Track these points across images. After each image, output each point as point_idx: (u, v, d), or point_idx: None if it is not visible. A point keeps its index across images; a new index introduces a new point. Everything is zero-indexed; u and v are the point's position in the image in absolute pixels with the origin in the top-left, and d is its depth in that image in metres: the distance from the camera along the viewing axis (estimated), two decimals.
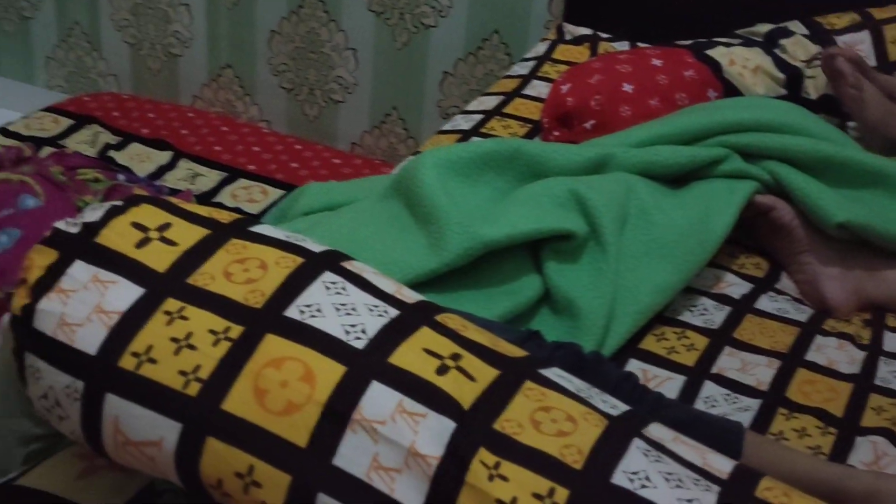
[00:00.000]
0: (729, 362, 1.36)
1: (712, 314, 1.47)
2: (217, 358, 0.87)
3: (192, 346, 0.88)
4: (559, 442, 0.83)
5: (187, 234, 0.97)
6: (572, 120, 1.78)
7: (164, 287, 0.92)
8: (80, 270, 0.93)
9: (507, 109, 1.96)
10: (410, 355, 0.88)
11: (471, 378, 0.87)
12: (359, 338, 0.88)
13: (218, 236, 0.97)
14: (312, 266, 0.95)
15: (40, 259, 0.95)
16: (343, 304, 0.91)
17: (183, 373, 0.87)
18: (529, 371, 0.90)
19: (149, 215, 0.99)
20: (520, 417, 0.85)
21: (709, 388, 1.32)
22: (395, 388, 0.85)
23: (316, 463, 0.82)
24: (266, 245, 0.97)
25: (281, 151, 2.87)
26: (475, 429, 0.83)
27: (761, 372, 1.35)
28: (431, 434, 0.83)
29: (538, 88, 2.05)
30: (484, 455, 0.82)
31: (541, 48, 2.26)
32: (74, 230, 0.97)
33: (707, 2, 2.27)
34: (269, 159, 2.81)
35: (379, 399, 0.84)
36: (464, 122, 1.92)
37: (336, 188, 1.57)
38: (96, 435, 0.90)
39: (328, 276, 0.94)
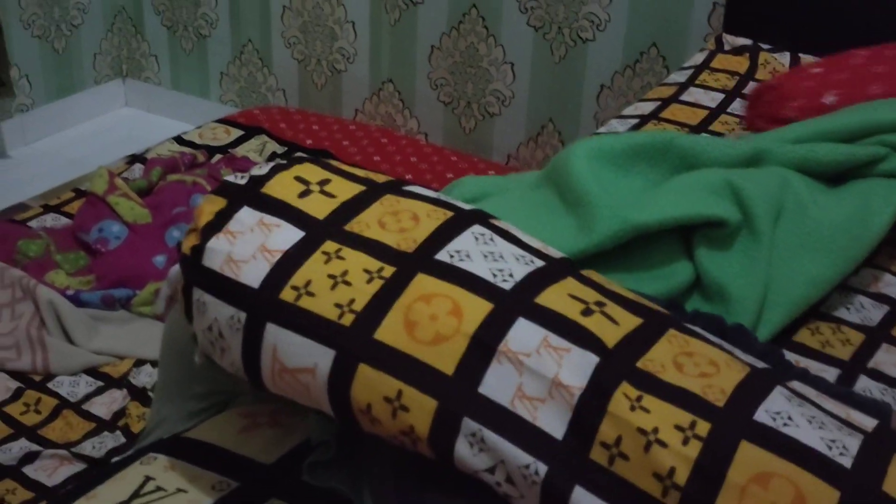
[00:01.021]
0: (886, 357, 1.34)
1: (869, 312, 1.44)
2: (370, 293, 0.92)
3: (347, 283, 0.93)
4: (701, 382, 0.85)
5: (345, 189, 1.04)
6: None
7: (323, 231, 0.98)
8: (246, 215, 1.00)
9: (664, 114, 1.97)
10: (556, 297, 0.92)
11: (614, 322, 0.90)
12: (505, 280, 0.93)
13: (373, 192, 1.04)
14: (462, 219, 1.00)
15: (210, 206, 1.03)
16: (490, 252, 0.96)
17: (338, 305, 0.92)
18: (672, 321, 0.92)
19: (310, 172, 1.06)
20: (662, 359, 0.87)
21: (864, 382, 1.30)
22: (540, 324, 0.89)
23: (462, 390, 0.86)
24: (418, 200, 1.03)
25: (437, 163, 2.94)
26: (618, 364, 0.86)
27: None
28: (575, 367, 0.86)
29: (695, 95, 2.05)
30: (626, 388, 0.85)
31: (699, 58, 2.26)
32: (242, 182, 1.04)
33: (872, 11, 2.23)
34: (426, 170, 2.88)
35: (524, 334, 0.88)
36: (619, 126, 1.94)
37: (489, 180, 1.60)
38: (255, 364, 0.96)
39: (477, 228, 0.99)
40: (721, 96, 2.05)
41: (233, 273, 0.97)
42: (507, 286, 0.92)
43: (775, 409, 0.83)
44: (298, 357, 0.92)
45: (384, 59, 3.05)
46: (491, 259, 0.95)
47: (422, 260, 0.95)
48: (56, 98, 3.40)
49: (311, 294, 0.94)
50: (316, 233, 0.98)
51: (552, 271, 0.95)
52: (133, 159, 2.69)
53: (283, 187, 1.03)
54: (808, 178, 1.50)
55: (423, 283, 0.92)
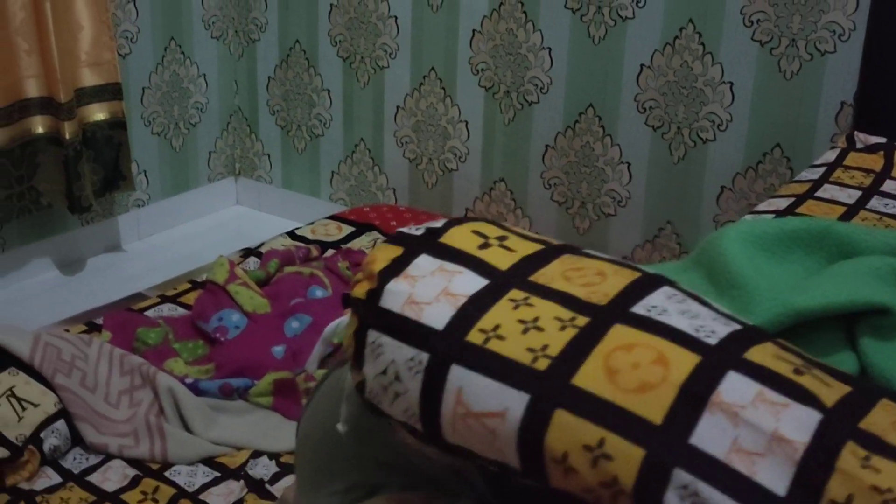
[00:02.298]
0: None
1: None
2: (565, 340, 0.88)
3: (539, 328, 0.89)
4: None
5: (523, 246, 1.01)
6: None
7: (507, 280, 0.95)
8: (426, 262, 0.98)
9: (800, 210, 1.91)
10: (763, 355, 0.88)
11: (826, 384, 0.86)
12: (708, 336, 0.89)
13: (552, 250, 1.01)
14: (650, 278, 0.97)
15: (385, 253, 1.00)
16: (687, 310, 0.93)
17: (531, 349, 0.88)
18: (883, 391, 0.87)
19: (487, 228, 1.04)
20: (883, 423, 0.82)
21: None
22: (752, 378, 0.85)
23: (672, 440, 0.82)
24: (599, 260, 1.00)
25: None
26: (841, 423, 0.82)
27: None
28: (796, 421, 0.82)
29: (830, 192, 1.99)
30: (853, 447, 0.80)
31: (830, 156, 2.20)
32: (418, 232, 1.01)
33: None
34: None
35: (738, 386, 0.84)
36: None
37: None
38: (434, 408, 0.91)
39: (667, 289, 0.96)
40: (858, 193, 1.99)
41: (414, 314, 0.94)
42: (712, 341, 0.88)
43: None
44: (487, 400, 0.88)
45: (497, 157, 3.05)
46: (689, 316, 0.92)
47: (617, 312, 0.91)
48: (171, 194, 3.46)
49: (500, 337, 0.90)
50: (500, 281, 0.95)
51: (752, 334, 0.92)
52: (247, 252, 2.70)
53: (461, 239, 1.02)
54: None
55: (621, 333, 0.89)
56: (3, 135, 2.85)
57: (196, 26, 3.38)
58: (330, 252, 2.69)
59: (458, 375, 0.89)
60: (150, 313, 2.37)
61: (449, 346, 0.91)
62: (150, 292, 2.68)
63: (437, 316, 0.93)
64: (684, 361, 0.86)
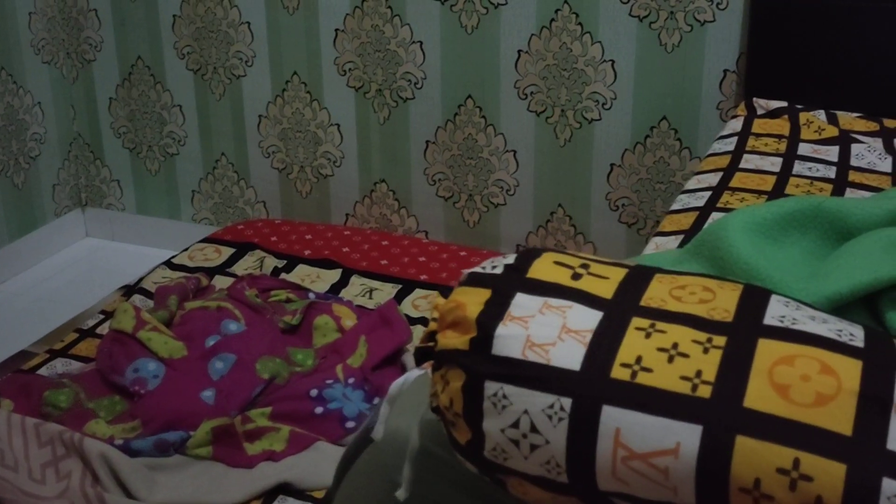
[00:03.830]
0: None
1: None
2: (715, 363, 0.83)
3: (683, 354, 0.84)
4: None
5: (611, 272, 0.95)
6: None
7: (622, 309, 0.89)
8: (526, 300, 0.90)
9: (734, 184, 1.91)
10: None
11: None
12: (852, 339, 0.86)
13: (641, 271, 0.95)
14: (756, 289, 0.92)
15: (473, 297, 0.91)
16: (814, 316, 0.89)
17: (686, 378, 0.82)
18: None
19: (565, 258, 0.97)
20: None
21: None
22: None
23: (869, 450, 0.78)
24: (693, 276, 0.95)
25: (448, 259, 2.84)
26: None
27: None
28: None
29: (754, 162, 2.00)
30: None
31: (735, 125, 2.22)
32: (497, 270, 0.93)
33: (881, 60, 2.23)
34: (438, 268, 2.77)
35: None
36: (693, 200, 1.87)
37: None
38: (586, 455, 0.84)
39: (778, 297, 0.92)
40: (779, 160, 2.01)
41: (541, 358, 0.85)
42: (858, 344, 0.85)
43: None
44: (652, 439, 0.81)
45: (375, 159, 2.95)
46: (820, 321, 0.88)
47: (753, 326, 0.86)
48: (18, 236, 3.19)
49: (647, 370, 0.83)
50: (616, 311, 0.89)
51: (874, 332, 0.89)
52: (129, 290, 2.52)
53: (549, 272, 0.94)
54: None
55: (770, 347, 0.84)
56: None
57: (25, 52, 3.12)
58: (220, 280, 2.54)
59: (613, 416, 0.82)
60: (43, 371, 2.17)
61: (593, 386, 0.83)
62: (34, 348, 2.46)
63: (568, 356, 0.85)
64: (849, 367, 0.82)
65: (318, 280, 2.66)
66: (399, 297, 2.53)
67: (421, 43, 2.75)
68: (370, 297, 2.58)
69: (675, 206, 1.89)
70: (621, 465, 0.83)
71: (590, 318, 0.88)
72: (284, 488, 1.83)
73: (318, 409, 1.99)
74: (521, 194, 2.81)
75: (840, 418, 0.79)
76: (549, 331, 0.87)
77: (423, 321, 2.39)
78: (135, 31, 3.11)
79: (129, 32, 3.12)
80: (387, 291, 2.60)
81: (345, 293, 2.60)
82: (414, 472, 1.03)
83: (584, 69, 2.61)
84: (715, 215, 1.77)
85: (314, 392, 2.02)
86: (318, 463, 1.89)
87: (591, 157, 2.70)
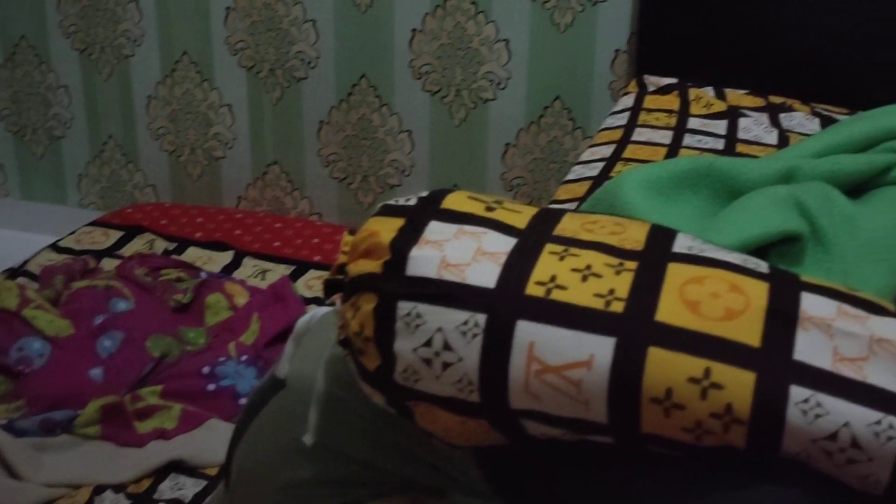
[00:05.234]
0: None
1: None
2: (627, 282, 0.85)
3: (596, 275, 0.85)
4: None
5: (522, 208, 0.96)
6: None
7: (536, 236, 0.90)
8: (440, 227, 0.90)
9: (626, 155, 1.93)
10: (817, 279, 0.89)
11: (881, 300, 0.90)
12: (758, 266, 0.88)
13: (553, 210, 0.96)
14: (664, 227, 0.94)
15: (385, 226, 0.91)
16: (719, 249, 0.91)
17: (599, 295, 0.84)
18: None
19: (475, 195, 0.97)
20: None
21: None
22: (827, 296, 0.85)
23: (777, 359, 0.80)
24: (602, 215, 0.96)
25: (342, 241, 2.80)
26: None
27: None
28: (884, 325, 0.83)
29: (646, 135, 2.03)
30: None
31: (627, 101, 2.24)
32: (411, 202, 0.94)
33: (769, 39, 2.29)
34: (332, 249, 2.75)
35: (817, 303, 0.84)
36: (587, 171, 1.89)
37: None
38: (500, 370, 0.84)
39: (684, 234, 0.94)
40: (670, 133, 2.04)
41: (456, 276, 0.86)
42: (764, 270, 0.88)
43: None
44: (566, 352, 0.82)
45: (267, 140, 2.90)
46: (727, 252, 0.90)
47: (663, 253, 0.88)
48: None
49: (562, 287, 0.84)
50: (530, 238, 0.90)
51: (778, 267, 0.91)
52: (13, 273, 2.44)
53: (463, 203, 0.94)
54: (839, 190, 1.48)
55: (680, 269, 0.86)
56: None
57: None
58: (108, 263, 2.48)
59: (527, 330, 0.83)
60: None
61: (508, 301, 0.84)
62: None
63: (483, 275, 0.86)
64: (757, 287, 0.85)
65: (210, 262, 2.61)
66: (293, 278, 2.50)
67: (314, 22, 2.72)
68: (263, 279, 2.54)
69: (569, 177, 1.90)
70: (534, 379, 0.83)
71: (504, 243, 0.89)
72: (176, 466, 1.78)
73: (211, 387, 1.95)
74: (417, 175, 2.80)
75: (749, 331, 0.82)
76: (463, 253, 0.88)
77: (317, 301, 2.37)
78: (17, 9, 3.01)
79: (10, 10, 3.02)
80: (280, 272, 2.57)
81: (237, 275, 2.56)
82: (319, 417, 1.01)
83: (479, 49, 2.62)
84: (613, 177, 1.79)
85: (206, 369, 1.98)
86: (211, 440, 1.85)
87: (487, 137, 2.70)
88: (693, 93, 2.23)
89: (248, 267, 2.60)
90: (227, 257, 2.63)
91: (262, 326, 2.09)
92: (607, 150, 1.98)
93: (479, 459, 0.98)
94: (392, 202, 0.95)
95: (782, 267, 1.30)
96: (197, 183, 3.02)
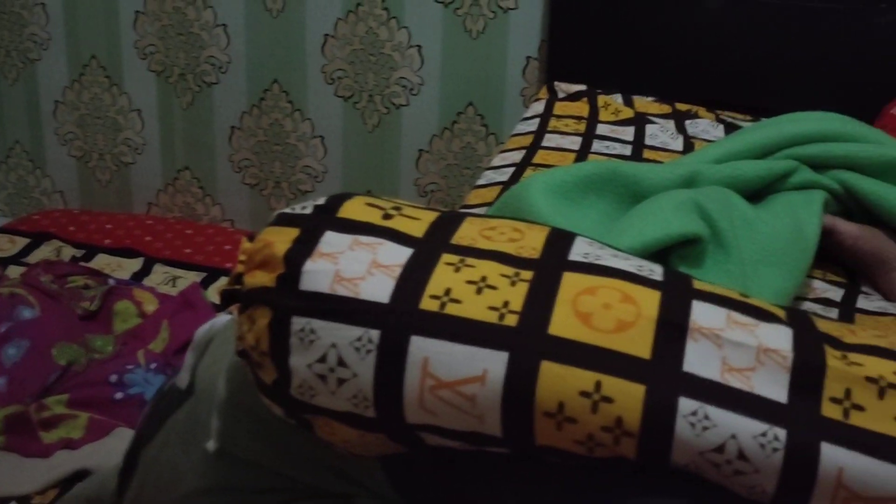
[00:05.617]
0: None
1: (825, 317, 1.46)
2: (522, 294, 0.84)
3: (491, 287, 0.85)
4: (883, 341, 0.87)
5: (422, 214, 0.95)
6: None
7: (432, 246, 0.89)
8: (335, 238, 0.89)
9: (536, 160, 1.95)
10: (708, 286, 0.90)
11: (774, 304, 0.91)
12: (652, 273, 0.89)
13: (452, 215, 0.96)
14: (562, 232, 0.95)
15: (280, 236, 0.89)
16: (615, 254, 0.92)
17: (493, 308, 0.83)
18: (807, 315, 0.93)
19: (377, 201, 0.96)
20: (835, 327, 0.88)
21: None
22: (717, 304, 0.86)
23: (667, 371, 0.81)
24: (505, 218, 0.97)
25: None
26: (812, 333, 0.85)
27: None
28: (773, 334, 0.84)
29: (555, 141, 2.05)
30: (830, 350, 0.84)
31: (538, 107, 2.27)
32: (307, 211, 0.92)
33: (672, 48, 2.33)
34: None
35: (707, 312, 0.85)
36: (498, 176, 1.90)
37: None
38: (394, 386, 0.83)
39: (583, 238, 0.95)
40: (578, 139, 2.06)
41: (350, 291, 0.85)
42: (658, 277, 0.88)
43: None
44: (460, 367, 0.81)
45: (178, 146, 2.87)
46: (622, 258, 0.91)
47: (558, 261, 0.88)
48: None
49: (456, 301, 0.84)
50: (426, 248, 0.89)
51: (673, 271, 0.92)
52: None
53: (360, 211, 0.93)
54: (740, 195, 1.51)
55: (575, 279, 0.86)
56: None
57: None
58: (9, 270, 2.43)
59: (421, 346, 0.82)
60: None
61: (401, 317, 0.83)
62: None
63: (377, 289, 0.84)
64: (648, 297, 0.85)
65: (119, 269, 2.58)
66: (204, 285, 2.47)
67: (225, 26, 2.70)
68: (174, 286, 2.52)
69: (480, 182, 1.91)
70: (429, 394, 0.83)
71: (400, 254, 0.88)
72: (83, 476, 1.75)
73: (118, 395, 1.92)
74: (329, 181, 2.80)
75: (639, 343, 0.82)
76: (358, 266, 0.86)
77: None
78: None
79: None
80: (190, 279, 2.54)
81: (147, 282, 2.53)
82: (222, 423, 1.01)
83: (391, 54, 2.62)
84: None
85: (114, 378, 1.95)
86: (119, 450, 1.82)
87: (400, 143, 2.71)
88: (602, 100, 2.26)
89: (159, 274, 2.57)
90: (136, 264, 2.60)
91: (171, 333, 2.06)
92: (518, 156, 1.99)
93: (385, 465, 0.98)
94: (288, 211, 0.93)
95: (682, 269, 1.33)
96: (106, 189, 2.98)
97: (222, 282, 2.51)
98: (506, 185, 1.84)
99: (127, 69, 2.82)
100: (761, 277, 1.38)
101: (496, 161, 2.02)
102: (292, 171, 2.81)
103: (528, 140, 2.08)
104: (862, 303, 1.51)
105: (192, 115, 2.82)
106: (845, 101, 2.23)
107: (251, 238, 0.94)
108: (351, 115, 2.71)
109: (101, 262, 2.61)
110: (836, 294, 1.53)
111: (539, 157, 1.97)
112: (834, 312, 1.47)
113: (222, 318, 1.08)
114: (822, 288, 1.55)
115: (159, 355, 2.03)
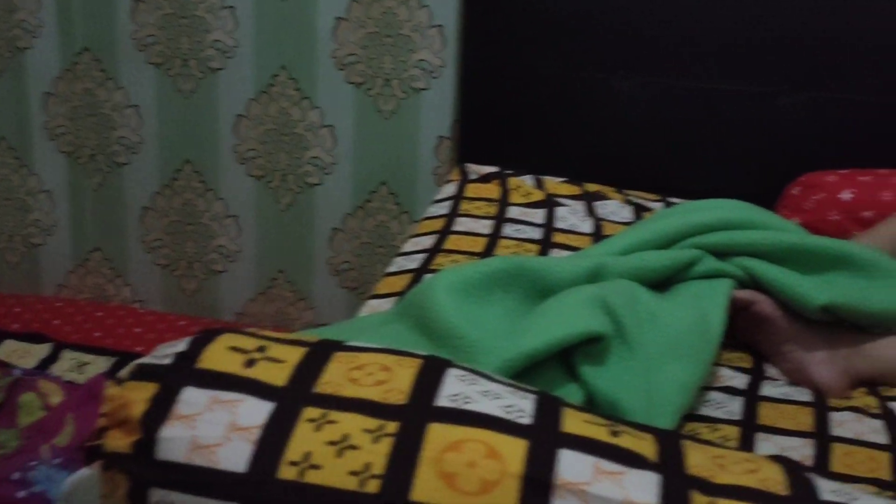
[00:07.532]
0: (768, 448, 1.37)
1: (728, 405, 1.47)
2: (384, 454, 0.83)
3: (353, 447, 0.83)
4: (753, 478, 0.87)
5: (288, 353, 0.93)
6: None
7: (294, 398, 0.87)
8: (194, 395, 0.87)
9: (447, 246, 1.95)
10: (576, 423, 0.89)
11: (639, 438, 0.90)
12: (521, 415, 0.88)
13: (319, 351, 0.94)
14: (434, 364, 0.93)
15: (137, 393, 0.87)
16: (486, 392, 0.90)
17: (354, 472, 0.81)
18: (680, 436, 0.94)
19: (240, 341, 0.94)
20: (706, 463, 0.88)
21: None
22: (584, 452, 0.85)
23: None
24: (373, 353, 0.94)
25: (165, 329, 2.76)
26: (678, 475, 0.85)
27: (801, 451, 1.35)
28: (639, 485, 0.83)
29: (467, 225, 2.06)
30: (698, 497, 0.83)
31: (450, 189, 2.28)
32: (167, 361, 0.89)
33: (584, 135, 2.37)
34: (155, 338, 2.69)
35: (573, 463, 0.84)
36: (408, 263, 1.90)
37: (325, 332, 1.50)
38: None
39: (455, 371, 0.93)
40: (490, 222, 2.08)
41: (206, 461, 0.83)
42: (526, 421, 0.87)
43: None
44: None
45: (88, 226, 2.82)
46: (492, 397, 0.90)
47: (424, 409, 0.87)
48: None
49: (316, 467, 0.82)
50: (287, 401, 0.87)
51: (551, 403, 0.92)
52: None
53: (221, 360, 0.91)
54: (645, 287, 1.53)
55: (440, 431, 0.84)
56: None
57: None
58: None
59: None
60: None
61: (259, 489, 0.81)
62: None
63: (234, 457, 0.82)
64: (514, 449, 0.84)
65: (27, 356, 2.53)
66: (115, 371, 2.43)
67: (137, 107, 2.68)
68: (82, 372, 2.47)
69: (391, 269, 1.91)
70: None
71: (260, 413, 0.86)
72: None
73: (21, 493, 1.87)
74: (243, 260, 2.77)
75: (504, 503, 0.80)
76: (216, 430, 0.84)
77: None
78: None
79: None
80: (99, 365, 2.50)
81: (55, 368, 2.48)
82: None
83: (304, 134, 2.62)
84: (428, 277, 1.80)
85: (17, 475, 1.89)
86: None
87: (313, 222, 2.70)
88: (513, 181, 2.28)
89: (67, 360, 2.52)
90: (44, 350, 2.55)
91: (77, 427, 2.01)
92: (429, 241, 2.00)
93: None
94: (148, 360, 0.91)
95: (587, 367, 1.33)
96: (14, 271, 2.91)
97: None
98: (416, 273, 1.84)
99: (36, 150, 2.77)
100: (665, 373, 1.39)
101: (407, 246, 2.02)
102: (205, 251, 2.78)
103: (439, 224, 2.09)
104: (766, 389, 1.53)
105: (103, 196, 2.78)
106: (750, 181, 2.29)
107: (118, 381, 0.91)
108: (264, 194, 2.69)
109: (9, 348, 2.55)
110: (741, 381, 1.55)
111: (450, 242, 1.98)
112: (738, 402, 1.49)
113: (86, 471, 1.05)
114: (727, 375, 1.57)
115: (65, 450, 1.97)
